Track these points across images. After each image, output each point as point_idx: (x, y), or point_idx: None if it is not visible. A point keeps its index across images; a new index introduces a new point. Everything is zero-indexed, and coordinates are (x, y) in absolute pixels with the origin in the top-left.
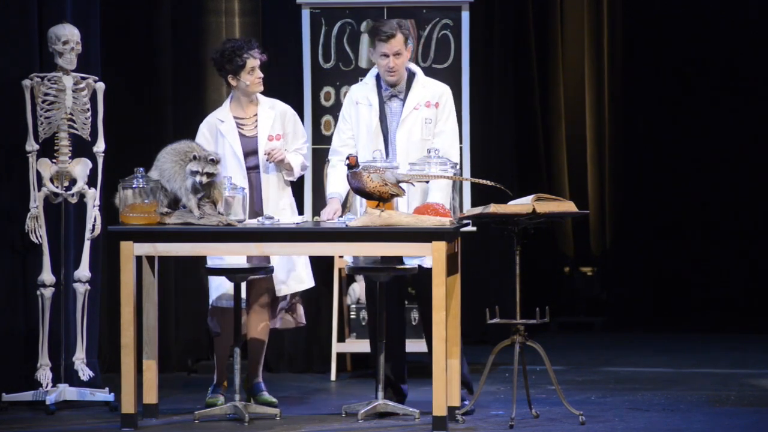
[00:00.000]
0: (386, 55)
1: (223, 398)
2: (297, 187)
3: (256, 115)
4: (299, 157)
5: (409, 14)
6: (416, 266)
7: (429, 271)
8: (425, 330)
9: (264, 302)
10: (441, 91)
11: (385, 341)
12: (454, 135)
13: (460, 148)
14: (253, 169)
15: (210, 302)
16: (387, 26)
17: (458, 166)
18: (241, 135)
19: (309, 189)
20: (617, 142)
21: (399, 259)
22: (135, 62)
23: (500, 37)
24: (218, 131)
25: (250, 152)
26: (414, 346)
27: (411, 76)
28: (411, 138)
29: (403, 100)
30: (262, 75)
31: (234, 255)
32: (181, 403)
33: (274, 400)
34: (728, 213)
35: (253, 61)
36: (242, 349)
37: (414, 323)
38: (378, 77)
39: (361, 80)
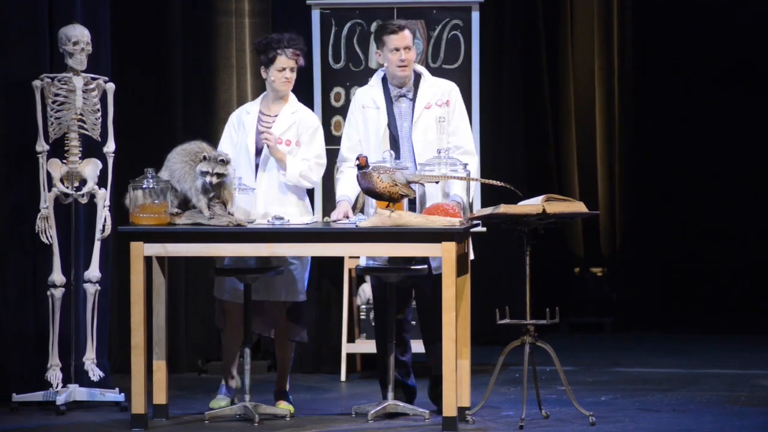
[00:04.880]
0: (397, 49)
1: (228, 399)
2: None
3: (278, 115)
4: (301, 164)
5: (419, 15)
6: (426, 267)
7: (433, 276)
8: (423, 335)
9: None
10: (449, 88)
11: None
12: (469, 130)
13: None
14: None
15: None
16: (395, 21)
17: (478, 158)
18: (258, 132)
19: (319, 190)
20: (627, 143)
21: (409, 260)
22: (145, 63)
23: (510, 38)
24: (241, 121)
25: (261, 150)
26: (419, 346)
27: (417, 77)
28: (427, 138)
29: (412, 100)
30: (290, 76)
31: (244, 255)
32: (191, 404)
33: (292, 409)
34: (739, 213)
35: (285, 60)
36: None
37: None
38: (383, 79)
39: (365, 84)
